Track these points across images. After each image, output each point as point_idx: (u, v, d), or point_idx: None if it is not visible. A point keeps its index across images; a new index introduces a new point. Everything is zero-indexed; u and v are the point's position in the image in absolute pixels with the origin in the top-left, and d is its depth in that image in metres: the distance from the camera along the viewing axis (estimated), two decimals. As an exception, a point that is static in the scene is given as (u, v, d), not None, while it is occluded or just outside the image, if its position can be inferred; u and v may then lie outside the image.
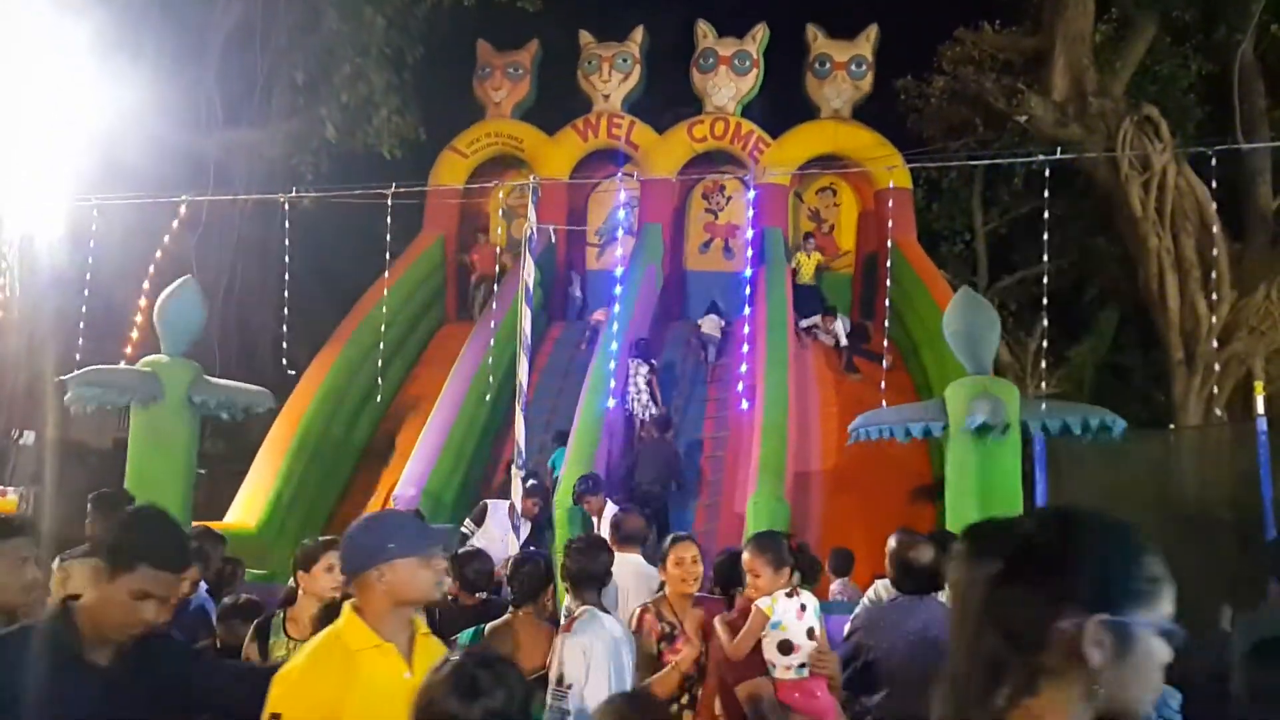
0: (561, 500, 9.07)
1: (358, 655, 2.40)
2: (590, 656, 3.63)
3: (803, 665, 3.68)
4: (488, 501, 8.09)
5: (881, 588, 4.86)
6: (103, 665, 2.32)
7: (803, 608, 3.76)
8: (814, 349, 12.52)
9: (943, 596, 4.49)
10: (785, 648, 3.70)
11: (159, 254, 10.08)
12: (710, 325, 12.83)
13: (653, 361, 11.32)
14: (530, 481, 8.02)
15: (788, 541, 3.97)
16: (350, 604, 2.53)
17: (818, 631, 3.75)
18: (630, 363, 11.15)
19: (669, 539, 4.38)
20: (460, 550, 5.30)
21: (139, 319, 9.80)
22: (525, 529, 7.77)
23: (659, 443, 10.30)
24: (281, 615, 3.98)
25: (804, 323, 12.70)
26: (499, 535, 7.56)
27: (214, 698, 2.60)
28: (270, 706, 2.32)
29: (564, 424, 10.78)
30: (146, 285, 9.92)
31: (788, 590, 3.78)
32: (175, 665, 2.53)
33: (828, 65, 14.53)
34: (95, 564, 2.49)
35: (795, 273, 13.35)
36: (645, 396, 11.00)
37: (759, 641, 3.73)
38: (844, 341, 12.31)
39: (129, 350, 9.51)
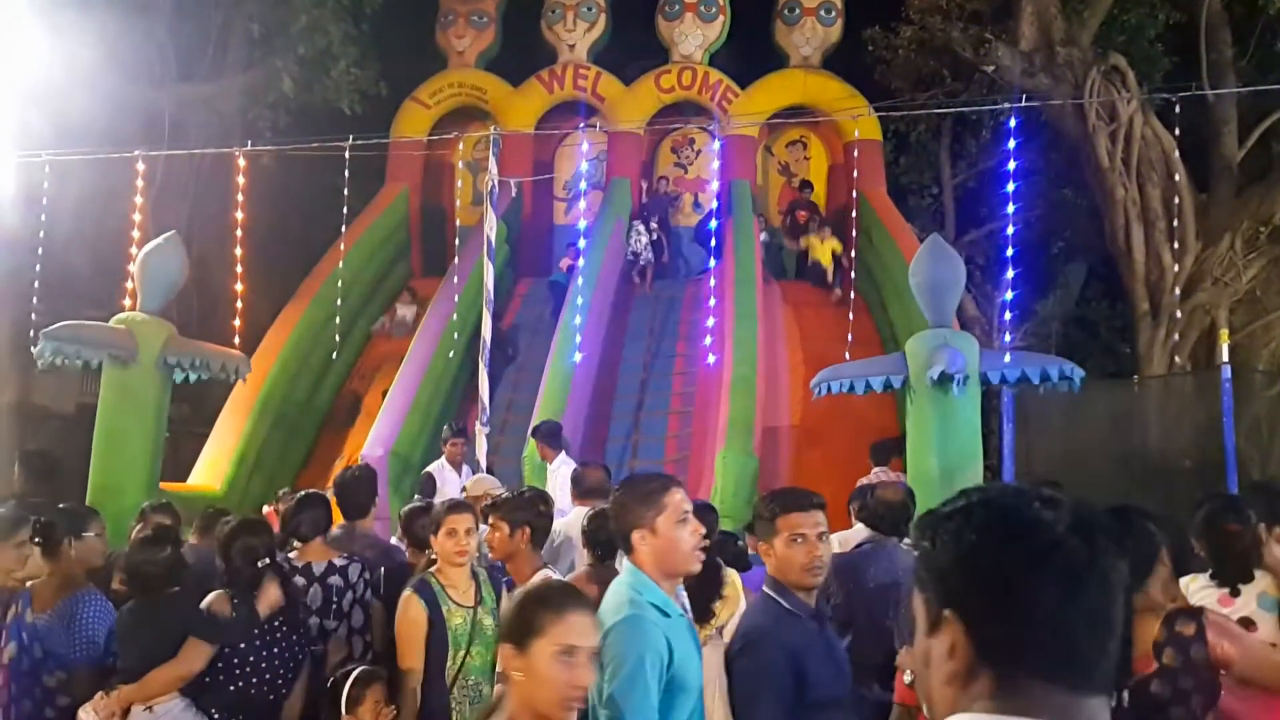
0: (531, 454, 9.03)
1: None
2: None
3: None
4: (430, 470, 8.05)
5: (837, 541, 4.89)
6: None
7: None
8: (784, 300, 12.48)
9: (907, 543, 4.52)
10: None
11: (135, 212, 9.69)
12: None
13: (651, 222, 13.20)
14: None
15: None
16: None
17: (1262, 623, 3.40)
18: (634, 224, 13.03)
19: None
20: (410, 507, 5.27)
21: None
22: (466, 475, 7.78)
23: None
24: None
25: None
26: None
27: None
28: None
29: (531, 384, 10.73)
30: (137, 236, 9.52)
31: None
32: None
33: (797, 11, 14.37)
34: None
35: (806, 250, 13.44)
36: (645, 239, 12.87)
37: None
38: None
39: (129, 304, 9.26)
